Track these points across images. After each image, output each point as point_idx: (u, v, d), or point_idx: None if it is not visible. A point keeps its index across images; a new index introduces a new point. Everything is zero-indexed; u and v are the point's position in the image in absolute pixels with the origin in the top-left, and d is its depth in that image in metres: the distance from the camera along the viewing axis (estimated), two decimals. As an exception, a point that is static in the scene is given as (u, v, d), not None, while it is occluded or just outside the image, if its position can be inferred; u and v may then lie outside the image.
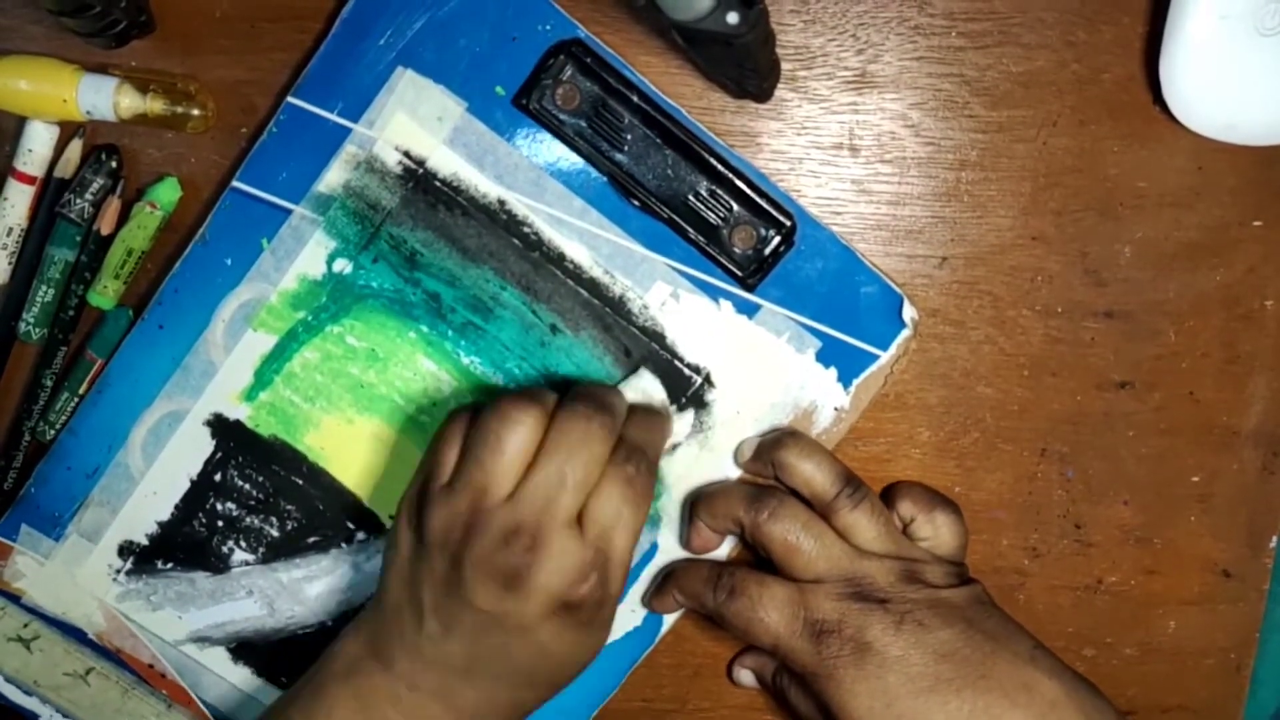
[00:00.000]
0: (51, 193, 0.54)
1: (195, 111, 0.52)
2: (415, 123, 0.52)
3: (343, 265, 0.53)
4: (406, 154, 0.52)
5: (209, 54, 0.53)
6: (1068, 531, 0.57)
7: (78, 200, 0.53)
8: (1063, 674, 0.49)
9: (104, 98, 0.51)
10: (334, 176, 0.52)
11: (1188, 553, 0.57)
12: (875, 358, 0.54)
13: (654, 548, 0.56)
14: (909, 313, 0.53)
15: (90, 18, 0.49)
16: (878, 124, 0.53)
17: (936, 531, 0.52)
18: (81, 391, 0.55)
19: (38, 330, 0.55)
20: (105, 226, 0.54)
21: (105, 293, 0.54)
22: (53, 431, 0.55)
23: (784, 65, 0.52)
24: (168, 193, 0.53)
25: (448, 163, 0.52)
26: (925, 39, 0.52)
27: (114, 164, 0.53)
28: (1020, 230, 0.54)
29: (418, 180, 0.52)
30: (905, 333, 0.53)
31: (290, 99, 0.51)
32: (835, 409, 0.54)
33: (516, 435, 0.46)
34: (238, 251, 0.53)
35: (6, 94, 0.52)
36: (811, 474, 0.51)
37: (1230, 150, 0.53)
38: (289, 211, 0.52)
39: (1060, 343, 0.55)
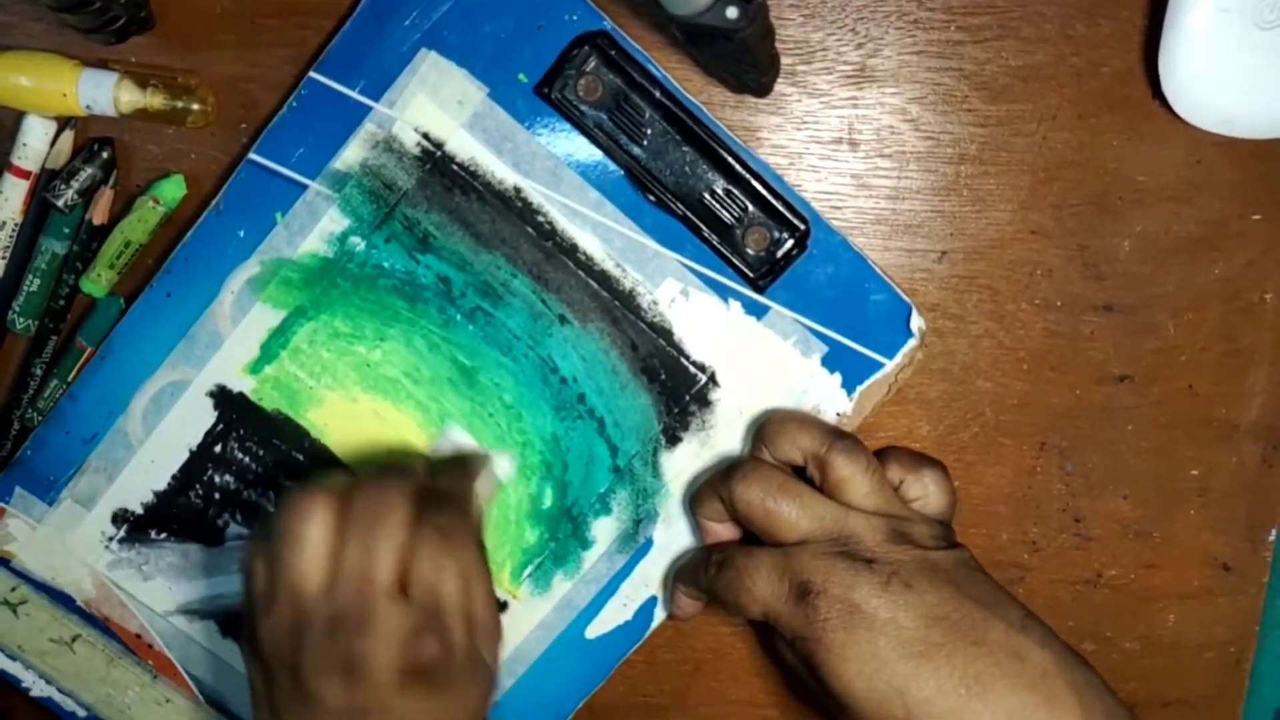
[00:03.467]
0: (42, 183, 0.54)
1: (195, 106, 0.52)
2: (436, 105, 0.52)
3: (355, 243, 0.53)
4: (425, 136, 0.52)
5: (209, 50, 0.53)
6: (1067, 526, 0.57)
7: (63, 186, 0.53)
8: (1053, 644, 0.48)
9: (104, 92, 0.52)
10: (352, 154, 0.52)
11: (1187, 546, 0.57)
12: (880, 365, 0.54)
13: (649, 543, 0.55)
14: (916, 323, 0.53)
15: (90, 13, 0.49)
16: (877, 118, 0.54)
17: (926, 490, 0.51)
18: (70, 379, 0.55)
19: (22, 320, 0.54)
20: (98, 216, 0.54)
21: (98, 281, 0.54)
22: (40, 419, 0.55)
23: (783, 60, 0.52)
24: (173, 190, 0.53)
25: (466, 147, 0.52)
26: (924, 33, 0.53)
27: (105, 155, 0.53)
28: (1019, 224, 0.54)
29: (435, 163, 0.52)
30: (911, 342, 0.54)
31: (312, 74, 0.52)
32: (837, 414, 0.54)
33: (312, 524, 0.45)
34: (251, 223, 0.53)
35: (6, 89, 0.52)
36: (796, 432, 0.51)
37: (1229, 144, 0.53)
38: (304, 187, 0.53)
39: (1059, 337, 0.55)
